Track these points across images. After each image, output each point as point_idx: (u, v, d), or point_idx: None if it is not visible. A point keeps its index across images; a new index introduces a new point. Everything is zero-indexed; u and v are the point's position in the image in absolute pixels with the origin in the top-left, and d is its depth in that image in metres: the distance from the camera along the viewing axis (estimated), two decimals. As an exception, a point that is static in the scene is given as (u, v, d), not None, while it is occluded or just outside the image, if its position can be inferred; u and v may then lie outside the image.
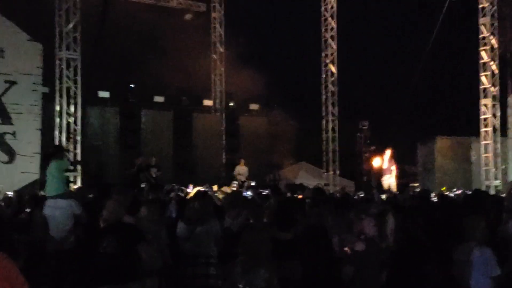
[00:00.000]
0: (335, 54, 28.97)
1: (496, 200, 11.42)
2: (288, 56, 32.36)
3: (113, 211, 7.99)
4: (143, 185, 19.46)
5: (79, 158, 21.64)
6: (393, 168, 24.64)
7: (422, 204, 10.33)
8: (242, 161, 25.46)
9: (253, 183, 24.22)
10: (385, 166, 24.74)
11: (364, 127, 32.80)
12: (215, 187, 20.23)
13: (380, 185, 23.97)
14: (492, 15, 26.61)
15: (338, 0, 28.90)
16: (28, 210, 11.07)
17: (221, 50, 30.83)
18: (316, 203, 10.61)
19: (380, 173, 25.14)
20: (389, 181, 24.29)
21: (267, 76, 28.34)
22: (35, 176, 19.74)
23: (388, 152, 24.71)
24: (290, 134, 30.32)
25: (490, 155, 26.64)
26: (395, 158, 24.87)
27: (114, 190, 10.24)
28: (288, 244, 7.37)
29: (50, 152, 13.44)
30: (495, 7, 26.61)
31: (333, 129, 29.17)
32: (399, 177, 26.42)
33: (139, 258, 7.68)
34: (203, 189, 13.42)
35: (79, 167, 20.49)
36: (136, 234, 7.86)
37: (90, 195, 13.02)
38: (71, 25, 21.76)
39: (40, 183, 15.81)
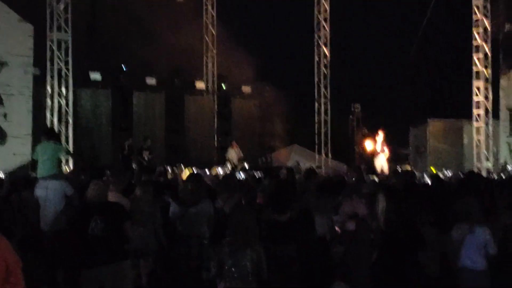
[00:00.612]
0: (328, 36, 28.88)
1: (489, 183, 11.44)
2: (281, 38, 32.25)
3: (97, 191, 7.99)
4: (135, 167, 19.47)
5: (71, 140, 21.57)
6: (386, 150, 24.71)
7: (413, 186, 10.33)
8: (235, 143, 25.45)
9: (246, 165, 24.24)
10: (378, 148, 24.79)
11: (356, 110, 32.74)
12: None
13: (372, 167, 24.02)
14: (485, -3, 26.59)
15: (331, -19, 28.79)
16: (20, 191, 11.03)
17: (214, 32, 30.69)
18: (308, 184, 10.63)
19: (372, 155, 25.20)
20: (382, 163, 24.35)
21: (259, 58, 28.28)
22: (27, 157, 19.65)
23: (380, 134, 24.75)
24: (282, 116, 30.29)
25: (482, 137, 26.70)
26: (388, 140, 24.93)
27: (110, 172, 10.24)
28: (284, 226, 7.38)
29: (45, 131, 13.41)
30: (488, -11, 26.59)
31: (325, 111, 29.15)
32: (391, 159, 26.50)
33: (127, 237, 7.73)
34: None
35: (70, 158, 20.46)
36: (121, 213, 7.93)
37: (82, 177, 12.97)
38: (62, 6, 21.57)
39: (32, 164, 15.74)
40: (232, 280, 6.42)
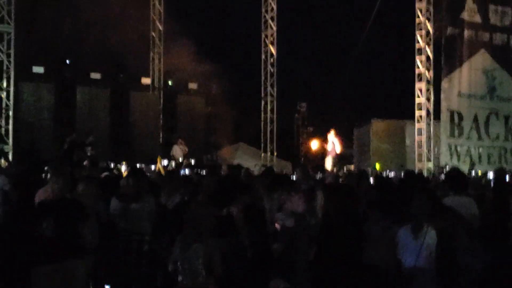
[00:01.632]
0: (275, 35, 29.00)
1: (424, 182, 11.62)
2: (228, 36, 32.29)
3: (60, 187, 7.76)
4: (85, 163, 19.18)
5: (10, 134, 21.16)
6: (338, 149, 24.90)
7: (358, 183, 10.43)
8: (180, 140, 25.34)
9: (193, 162, 24.15)
10: (329, 147, 24.97)
11: (301, 109, 33.00)
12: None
13: (320, 165, 24.15)
14: (428, 1, 27.04)
15: (279, -20, 28.90)
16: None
17: (160, 28, 30.50)
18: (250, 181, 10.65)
19: (323, 154, 25.35)
20: (333, 162, 24.52)
21: (206, 55, 28.23)
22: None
23: (332, 134, 24.95)
24: (228, 114, 30.27)
25: (423, 138, 27.16)
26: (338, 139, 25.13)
27: (52, 167, 10.03)
28: (223, 221, 7.39)
29: None
30: (431, -8, 27.07)
31: (271, 110, 29.26)
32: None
33: (80, 236, 7.52)
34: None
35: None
36: (78, 212, 7.62)
37: (21, 172, 12.74)
38: (5, -2, 21.20)
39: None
40: (186, 275, 6.43)
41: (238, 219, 7.56)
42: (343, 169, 23.52)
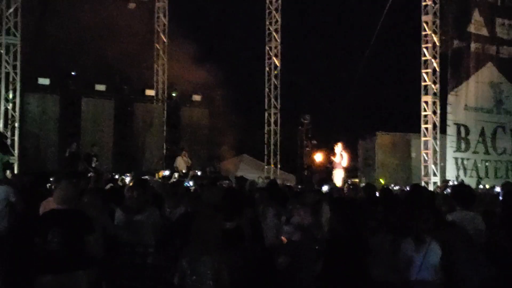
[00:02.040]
0: (279, 47, 29.00)
1: (430, 197, 11.55)
2: (232, 48, 32.28)
3: (66, 198, 7.66)
4: (90, 175, 19.19)
5: (16, 145, 21.13)
6: (345, 163, 24.88)
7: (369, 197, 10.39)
8: (184, 152, 25.31)
9: (199, 173, 24.09)
10: (337, 160, 24.92)
11: (305, 121, 32.87)
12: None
13: (325, 178, 24.07)
14: (435, 13, 27.04)
15: (283, -7, 28.93)
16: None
17: (165, 40, 30.53)
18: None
19: (331, 167, 25.29)
20: (340, 175, 24.49)
21: (210, 67, 28.21)
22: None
23: (339, 146, 24.91)
24: (232, 126, 30.23)
25: (430, 151, 27.06)
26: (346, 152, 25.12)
27: (56, 178, 10.00)
28: (231, 234, 7.33)
29: None
30: (437, 5, 27.04)
31: (275, 122, 29.22)
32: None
33: (85, 248, 7.44)
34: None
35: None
36: (83, 224, 7.52)
37: (26, 183, 12.70)
38: (12, 9, 21.21)
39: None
40: None
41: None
42: (348, 182, 23.43)
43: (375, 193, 11.71)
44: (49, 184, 12.03)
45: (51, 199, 9.06)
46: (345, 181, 23.67)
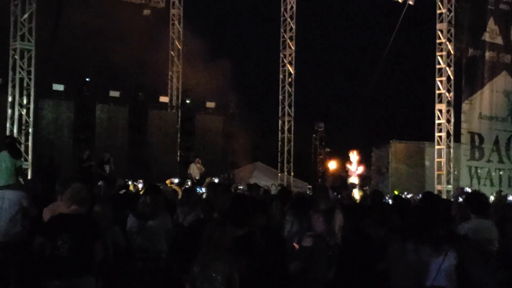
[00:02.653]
0: (293, 55, 28.99)
1: (446, 205, 11.49)
2: (246, 55, 32.34)
3: (81, 197, 7.64)
4: (100, 183, 19.20)
5: (30, 150, 21.20)
6: (360, 171, 24.85)
7: (374, 204, 10.36)
8: (198, 159, 25.33)
9: (216, 180, 24.04)
10: (353, 168, 24.90)
11: (319, 129, 32.83)
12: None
13: (339, 186, 24.03)
14: (449, 22, 26.96)
15: (298, 1, 28.92)
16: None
17: (179, 47, 30.63)
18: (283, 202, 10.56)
19: (347, 174, 25.28)
20: (356, 183, 24.47)
21: (224, 74, 28.26)
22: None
23: (355, 154, 24.87)
24: (246, 133, 30.24)
25: (443, 160, 26.94)
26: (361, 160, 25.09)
27: (61, 184, 9.97)
28: (242, 240, 7.30)
29: (7, 142, 13.15)
30: (452, 14, 26.97)
31: (289, 129, 29.19)
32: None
33: (93, 253, 7.43)
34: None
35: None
36: (93, 230, 7.51)
37: (39, 188, 12.73)
38: (26, 15, 21.29)
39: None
40: None
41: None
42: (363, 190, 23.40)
43: (382, 200, 11.67)
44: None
45: (53, 205, 9.09)
46: (361, 189, 23.62)
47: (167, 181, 22.01)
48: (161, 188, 11.11)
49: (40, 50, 22.04)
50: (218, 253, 6.42)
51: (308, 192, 23.41)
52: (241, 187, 18.63)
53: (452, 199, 17.49)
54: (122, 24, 27.30)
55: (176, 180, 22.50)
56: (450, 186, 26.90)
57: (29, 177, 19.98)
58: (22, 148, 20.70)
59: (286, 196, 11.76)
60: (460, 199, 13.83)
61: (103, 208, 9.12)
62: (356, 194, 22.64)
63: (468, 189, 22.16)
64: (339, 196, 15.08)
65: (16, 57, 21.21)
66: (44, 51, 22.67)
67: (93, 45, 26.81)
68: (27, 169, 20.16)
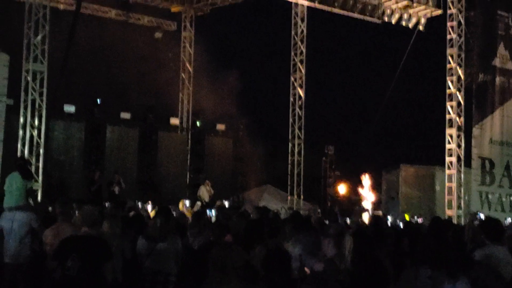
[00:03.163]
0: (304, 78, 29.04)
1: (457, 230, 11.42)
2: (257, 78, 32.44)
3: (92, 219, 7.66)
4: (106, 204, 19.22)
5: (40, 171, 21.23)
6: (372, 196, 24.80)
7: (381, 229, 10.31)
8: (208, 182, 25.34)
9: (226, 204, 23.96)
10: (365, 192, 24.85)
11: (329, 152, 32.81)
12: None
13: (348, 210, 24.00)
14: (460, 47, 26.97)
15: (308, 25, 29.04)
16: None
17: (190, 69, 30.77)
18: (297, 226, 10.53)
19: (358, 199, 25.24)
20: (369, 207, 24.43)
21: (235, 97, 28.36)
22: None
23: (367, 178, 24.80)
24: (256, 156, 30.25)
25: (454, 185, 26.82)
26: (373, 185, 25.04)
27: (60, 203, 9.99)
28: (251, 264, 7.29)
29: (18, 163, 13.15)
30: (462, 39, 26.99)
31: (299, 152, 29.16)
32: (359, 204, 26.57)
33: (102, 275, 7.43)
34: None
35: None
36: (103, 252, 7.52)
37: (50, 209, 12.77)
38: (39, 37, 21.45)
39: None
40: None
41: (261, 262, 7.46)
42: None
43: (383, 225, 11.62)
44: (51, 208, 12.05)
45: (54, 227, 9.10)
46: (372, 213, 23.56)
47: (180, 203, 22.01)
48: (171, 210, 11.11)
49: (52, 71, 22.17)
50: (227, 276, 6.40)
51: (317, 215, 23.27)
52: (249, 211, 18.53)
53: (463, 224, 17.42)
54: (134, 47, 27.49)
55: (187, 202, 22.48)
56: (460, 211, 26.76)
57: (39, 198, 20.03)
58: (33, 169, 20.74)
59: (299, 222, 11.73)
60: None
61: (111, 225, 9.13)
62: (366, 218, 22.58)
63: (482, 215, 22.07)
64: (349, 220, 15.06)
65: (28, 78, 21.33)
66: (56, 73, 22.78)
67: (105, 67, 26.98)
68: (37, 190, 20.20)
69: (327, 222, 13.27)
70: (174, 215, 11.64)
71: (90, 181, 22.63)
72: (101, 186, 22.32)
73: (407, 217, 25.93)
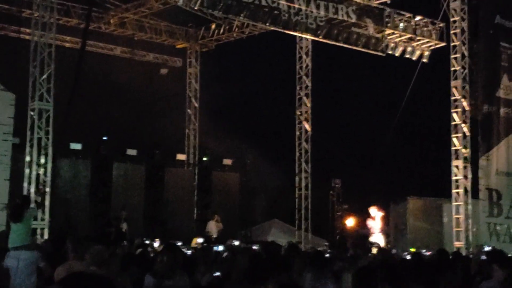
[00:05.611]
0: (309, 112, 29.11)
1: (464, 261, 11.36)
2: (262, 113, 32.50)
3: (102, 259, 7.62)
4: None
5: (47, 210, 21.21)
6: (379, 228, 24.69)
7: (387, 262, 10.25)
8: (216, 217, 25.26)
9: (236, 243, 23.62)
10: (375, 225, 24.74)
11: (336, 185, 32.70)
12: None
13: (358, 243, 23.85)
14: (464, 79, 27.01)
15: (313, 59, 29.20)
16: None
17: (196, 105, 30.89)
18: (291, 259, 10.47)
19: (368, 232, 25.12)
20: (380, 241, 24.34)
21: (241, 131, 28.40)
22: (2, 227, 19.29)
23: (375, 210, 24.71)
24: (263, 190, 30.20)
25: (462, 216, 26.67)
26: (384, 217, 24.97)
27: (72, 242, 9.95)
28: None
29: (18, 203, 13.12)
30: (466, 71, 27.05)
31: (306, 186, 29.11)
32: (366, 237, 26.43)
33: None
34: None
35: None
36: None
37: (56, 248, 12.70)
38: (45, 76, 21.60)
39: (6, 234, 15.39)
40: None
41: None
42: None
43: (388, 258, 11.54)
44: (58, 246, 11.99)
45: (66, 264, 9.05)
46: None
47: (193, 240, 21.93)
48: (178, 247, 11.06)
49: (58, 110, 22.28)
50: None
51: (325, 249, 23.14)
52: (255, 247, 18.41)
53: (470, 256, 17.27)
54: (139, 83, 27.65)
55: (200, 240, 22.38)
56: (469, 243, 26.57)
57: (46, 236, 20.00)
58: (38, 209, 20.69)
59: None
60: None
61: (112, 263, 9.07)
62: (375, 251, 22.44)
63: (487, 248, 21.90)
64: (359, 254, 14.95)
65: (34, 117, 21.43)
66: (62, 111, 22.91)
67: (110, 104, 27.10)
68: (43, 228, 20.18)
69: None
70: (183, 251, 11.60)
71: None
72: (110, 225, 22.29)
73: (413, 251, 25.80)
